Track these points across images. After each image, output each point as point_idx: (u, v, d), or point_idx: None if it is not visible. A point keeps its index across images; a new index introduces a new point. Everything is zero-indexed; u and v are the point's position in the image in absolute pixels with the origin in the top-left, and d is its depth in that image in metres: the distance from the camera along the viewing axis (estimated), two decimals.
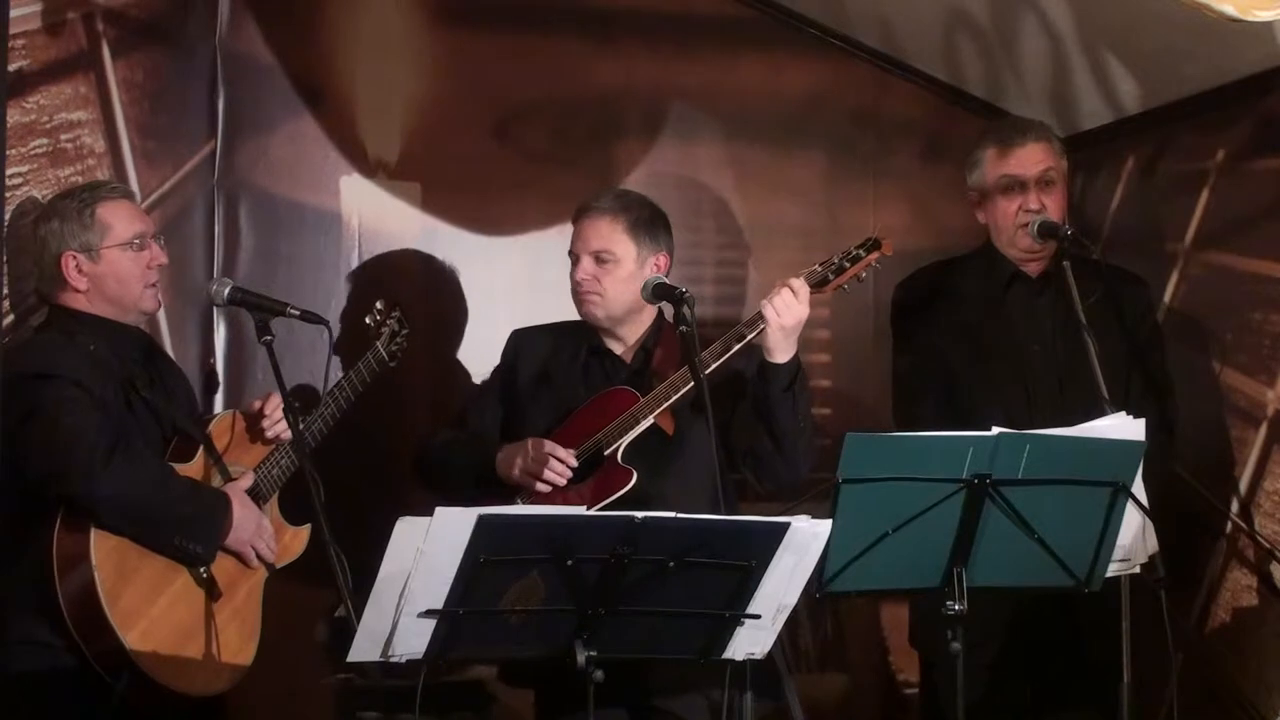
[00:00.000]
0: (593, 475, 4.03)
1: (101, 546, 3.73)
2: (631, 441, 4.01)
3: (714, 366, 3.92)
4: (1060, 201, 4.35)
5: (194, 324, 4.85)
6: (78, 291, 3.96)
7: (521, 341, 4.31)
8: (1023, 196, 4.32)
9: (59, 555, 3.72)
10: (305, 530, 4.10)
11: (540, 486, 4.02)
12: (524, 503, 4.04)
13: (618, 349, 4.18)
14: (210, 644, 3.86)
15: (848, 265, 3.93)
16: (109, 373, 3.90)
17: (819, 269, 3.94)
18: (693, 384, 3.82)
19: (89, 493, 3.71)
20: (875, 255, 3.94)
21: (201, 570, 3.88)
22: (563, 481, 4.01)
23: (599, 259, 4.12)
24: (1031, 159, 4.33)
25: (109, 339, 3.96)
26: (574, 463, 4.01)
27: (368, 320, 4.39)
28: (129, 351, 4.01)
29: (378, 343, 4.33)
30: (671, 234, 4.22)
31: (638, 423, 4.00)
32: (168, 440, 3.97)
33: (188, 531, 3.82)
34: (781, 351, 3.91)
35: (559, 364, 4.21)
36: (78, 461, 3.71)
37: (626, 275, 4.11)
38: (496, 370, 4.37)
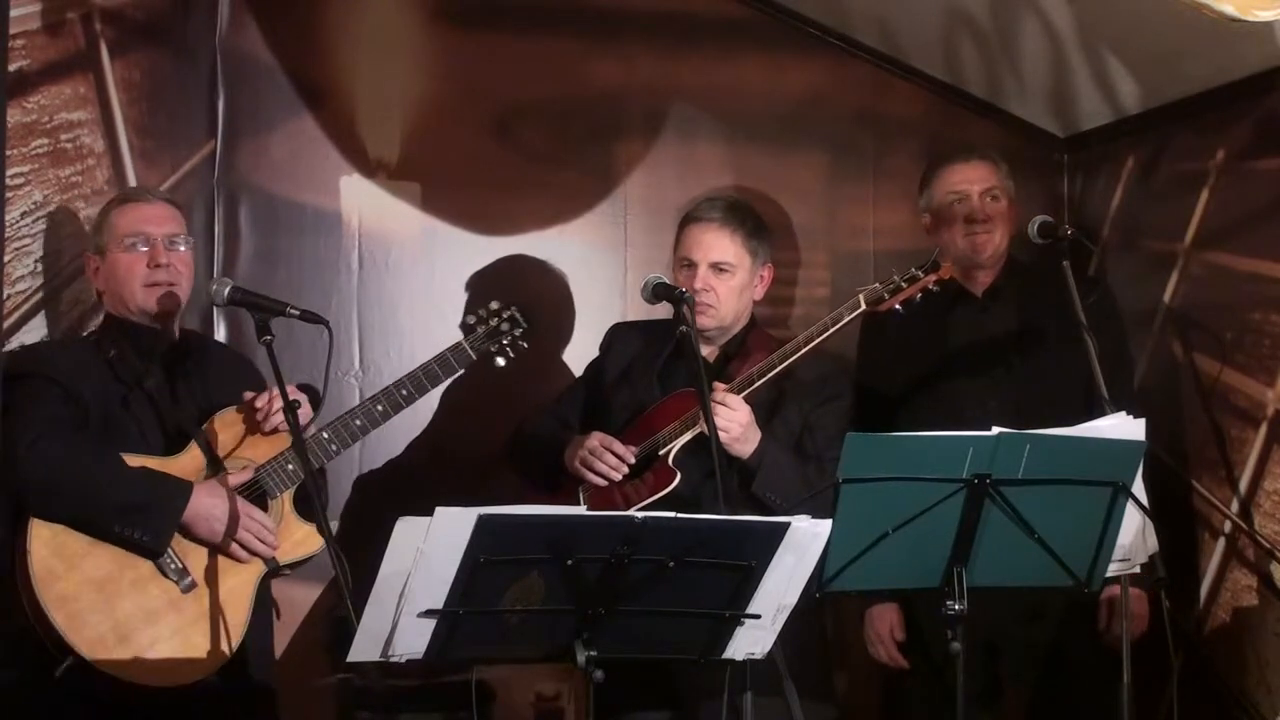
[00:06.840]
0: (644, 474, 4.08)
1: (40, 533, 3.76)
2: (689, 444, 4.04)
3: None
4: (1008, 218, 4.44)
5: (194, 324, 4.83)
6: (100, 293, 4.00)
7: (615, 337, 4.39)
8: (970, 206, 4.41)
9: (17, 541, 3.77)
10: None
11: (594, 479, 4.07)
12: (585, 494, 4.11)
13: (705, 352, 4.16)
14: (168, 636, 3.82)
15: (904, 285, 3.94)
16: (116, 376, 3.92)
17: (878, 287, 3.96)
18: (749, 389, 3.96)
19: (13, 477, 3.73)
20: (933, 277, 3.95)
21: (169, 560, 3.85)
22: (617, 476, 4.07)
23: (718, 269, 4.15)
24: (977, 174, 4.44)
25: (134, 343, 4.00)
26: (631, 460, 4.07)
27: (469, 318, 4.27)
28: (150, 353, 4.02)
29: (464, 339, 4.21)
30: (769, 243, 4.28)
31: (694, 425, 4.01)
32: (170, 438, 3.96)
33: (131, 520, 3.79)
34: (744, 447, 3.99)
35: (643, 363, 4.26)
36: (11, 448, 3.73)
37: (739, 286, 4.16)
38: (590, 363, 4.45)
